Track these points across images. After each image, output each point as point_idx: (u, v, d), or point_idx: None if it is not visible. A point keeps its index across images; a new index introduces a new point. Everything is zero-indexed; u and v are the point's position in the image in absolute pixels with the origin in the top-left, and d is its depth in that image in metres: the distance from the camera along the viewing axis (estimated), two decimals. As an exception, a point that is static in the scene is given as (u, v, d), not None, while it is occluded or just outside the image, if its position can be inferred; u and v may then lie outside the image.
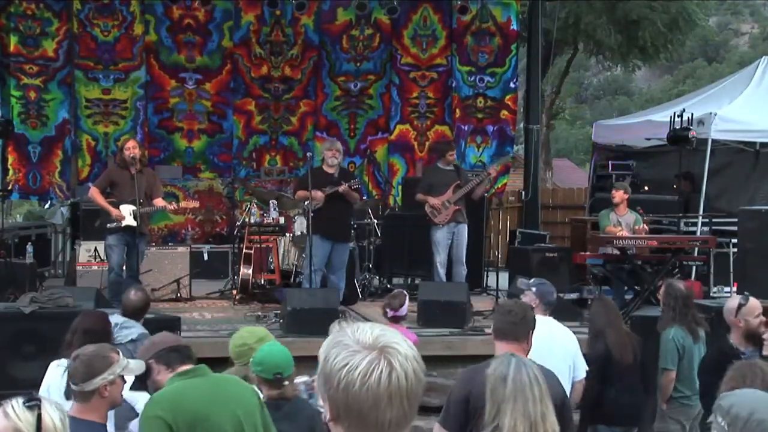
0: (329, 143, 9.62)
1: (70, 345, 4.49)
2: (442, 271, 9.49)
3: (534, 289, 5.36)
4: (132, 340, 5.35)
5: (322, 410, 1.81)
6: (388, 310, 6.15)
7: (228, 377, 3.73)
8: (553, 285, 5.52)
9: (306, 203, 9.04)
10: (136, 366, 3.70)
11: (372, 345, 1.73)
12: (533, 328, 4.05)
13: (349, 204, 9.17)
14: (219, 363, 5.01)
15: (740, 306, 5.02)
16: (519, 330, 3.97)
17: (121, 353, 3.69)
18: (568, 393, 4.71)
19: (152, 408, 3.34)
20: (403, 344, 1.75)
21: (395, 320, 6.10)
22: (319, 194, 8.86)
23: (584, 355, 5.43)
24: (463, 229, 9.53)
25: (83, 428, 3.44)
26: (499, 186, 13.06)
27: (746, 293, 5.22)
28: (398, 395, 1.70)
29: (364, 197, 12.53)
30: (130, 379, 3.77)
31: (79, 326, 4.67)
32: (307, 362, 6.39)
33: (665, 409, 5.86)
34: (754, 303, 5.06)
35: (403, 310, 6.17)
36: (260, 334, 4.33)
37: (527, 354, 3.96)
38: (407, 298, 6.28)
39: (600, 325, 5.82)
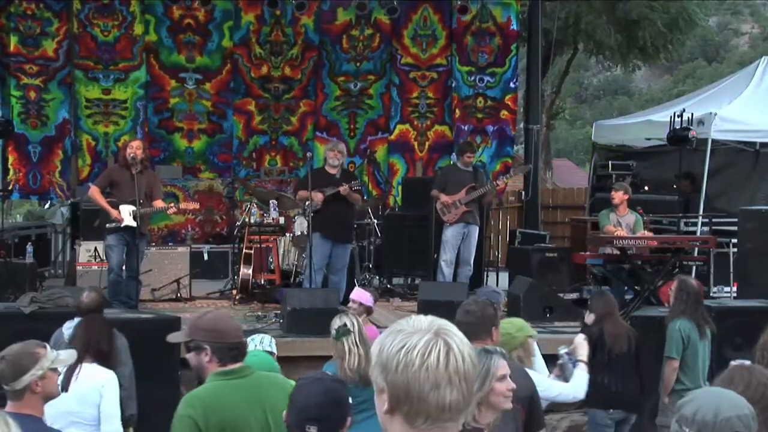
0: (332, 144, 9.66)
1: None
2: (447, 270, 9.51)
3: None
4: None
5: None
6: (369, 303, 5.92)
7: (271, 378, 3.57)
8: (499, 292, 5.70)
9: (306, 204, 9.04)
10: (68, 356, 3.71)
11: (427, 328, 1.74)
12: (495, 324, 4.08)
13: (350, 205, 9.17)
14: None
15: None
16: (478, 329, 3.99)
17: (48, 347, 3.66)
18: None
19: (186, 407, 3.31)
20: (457, 329, 1.76)
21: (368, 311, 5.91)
22: (319, 196, 8.86)
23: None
24: (474, 231, 9.58)
25: (21, 422, 3.43)
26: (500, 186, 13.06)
27: None
28: (457, 376, 1.70)
29: (364, 197, 12.56)
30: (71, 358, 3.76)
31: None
32: (306, 362, 6.38)
33: (667, 403, 5.90)
34: None
35: (371, 302, 5.96)
36: (519, 324, 4.69)
37: None
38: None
39: (598, 315, 5.93)
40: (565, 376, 5.02)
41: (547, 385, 4.75)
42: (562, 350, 5.14)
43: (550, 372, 5.07)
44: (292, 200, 10.04)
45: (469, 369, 1.72)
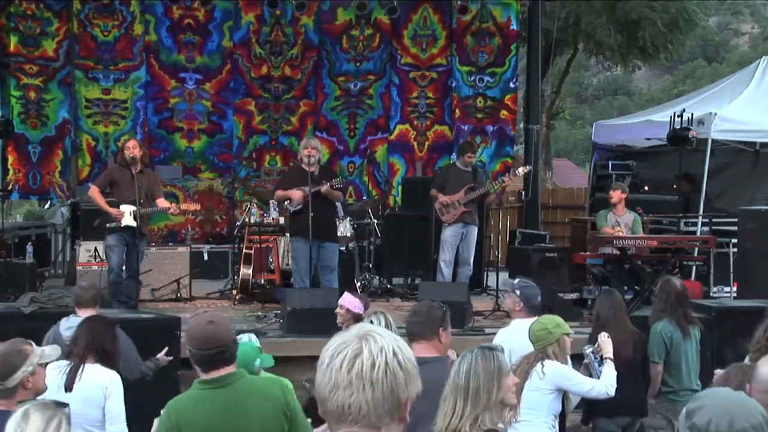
0: (305, 141, 9.20)
1: (70, 353, 4.52)
2: (446, 271, 9.49)
3: (518, 291, 5.34)
4: None
5: None
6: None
7: (257, 388, 3.39)
8: (538, 287, 5.47)
9: (286, 203, 8.90)
10: (52, 351, 3.74)
11: (356, 333, 1.75)
12: (442, 325, 4.09)
13: (331, 203, 8.96)
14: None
15: None
16: (424, 329, 4.02)
17: (33, 344, 3.68)
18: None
19: (164, 414, 3.29)
20: (387, 338, 1.74)
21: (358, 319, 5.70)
22: (298, 194, 8.61)
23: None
24: (473, 231, 9.56)
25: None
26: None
27: None
28: (360, 380, 1.68)
29: (364, 197, 12.56)
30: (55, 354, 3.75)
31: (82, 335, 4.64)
32: (307, 362, 6.37)
33: (654, 404, 5.91)
34: None
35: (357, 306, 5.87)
36: (556, 320, 4.79)
37: (441, 352, 4.04)
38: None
39: (603, 319, 5.88)
40: (590, 375, 5.04)
41: (579, 380, 4.78)
42: (588, 349, 5.16)
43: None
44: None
45: (380, 376, 1.69)
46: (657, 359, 5.86)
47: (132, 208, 8.33)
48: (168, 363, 5.66)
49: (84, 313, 5.42)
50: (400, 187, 12.59)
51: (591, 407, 5.80)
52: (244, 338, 4.85)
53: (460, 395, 2.94)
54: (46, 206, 14.45)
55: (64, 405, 3.11)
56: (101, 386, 4.40)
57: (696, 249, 9.88)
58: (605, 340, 5.12)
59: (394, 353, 1.72)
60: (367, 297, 6.12)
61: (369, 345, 1.71)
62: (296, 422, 3.35)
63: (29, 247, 10.14)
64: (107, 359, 4.59)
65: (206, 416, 3.24)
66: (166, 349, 5.65)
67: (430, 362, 3.77)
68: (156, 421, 3.35)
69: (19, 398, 3.48)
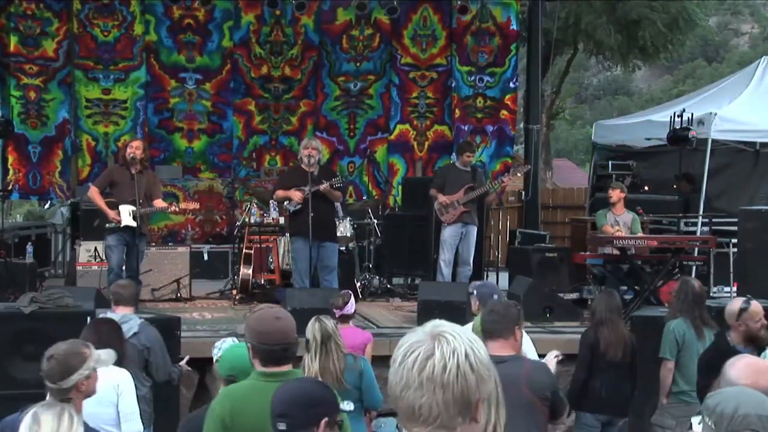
0: (305, 141, 9.16)
1: None
2: (446, 270, 9.50)
3: (475, 292, 5.48)
4: (134, 334, 5.37)
5: None
6: (334, 310, 5.88)
7: None
8: (496, 286, 5.73)
9: (286, 203, 8.90)
10: (108, 356, 3.75)
11: (429, 331, 1.73)
12: (518, 324, 4.10)
13: (331, 203, 8.97)
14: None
15: (742, 311, 5.10)
16: (500, 327, 4.03)
17: (92, 347, 3.70)
18: None
19: (219, 401, 3.30)
20: (460, 338, 1.73)
21: (343, 319, 5.83)
22: (298, 194, 8.62)
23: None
24: (472, 231, 9.55)
25: None
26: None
27: (748, 296, 5.30)
28: (432, 383, 1.68)
29: (363, 197, 12.55)
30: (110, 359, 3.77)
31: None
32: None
33: (665, 403, 5.92)
34: (756, 307, 5.15)
35: (349, 309, 5.98)
36: None
37: (517, 350, 4.07)
38: (351, 296, 6.13)
39: (598, 317, 5.96)
40: None
41: None
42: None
43: None
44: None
45: (451, 379, 1.68)
46: (668, 356, 5.87)
47: (131, 208, 8.34)
48: (189, 373, 5.72)
49: (120, 311, 5.52)
50: (400, 187, 12.59)
51: (577, 401, 5.85)
52: (228, 341, 4.80)
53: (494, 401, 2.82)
54: (46, 206, 14.45)
55: (67, 400, 3.12)
56: (113, 385, 4.43)
57: (696, 249, 9.89)
58: (550, 360, 4.70)
59: (467, 355, 1.71)
60: (345, 295, 6.14)
61: (441, 346, 1.70)
62: (347, 426, 3.42)
63: (29, 247, 10.14)
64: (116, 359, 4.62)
65: (260, 407, 3.20)
66: (187, 357, 5.71)
67: (509, 360, 3.85)
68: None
69: (71, 399, 3.52)
